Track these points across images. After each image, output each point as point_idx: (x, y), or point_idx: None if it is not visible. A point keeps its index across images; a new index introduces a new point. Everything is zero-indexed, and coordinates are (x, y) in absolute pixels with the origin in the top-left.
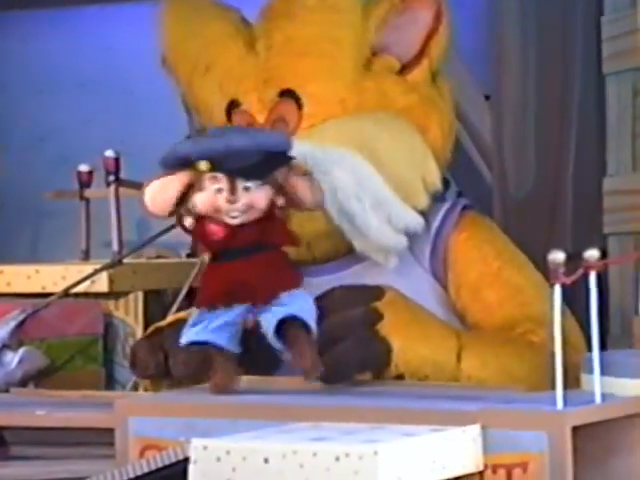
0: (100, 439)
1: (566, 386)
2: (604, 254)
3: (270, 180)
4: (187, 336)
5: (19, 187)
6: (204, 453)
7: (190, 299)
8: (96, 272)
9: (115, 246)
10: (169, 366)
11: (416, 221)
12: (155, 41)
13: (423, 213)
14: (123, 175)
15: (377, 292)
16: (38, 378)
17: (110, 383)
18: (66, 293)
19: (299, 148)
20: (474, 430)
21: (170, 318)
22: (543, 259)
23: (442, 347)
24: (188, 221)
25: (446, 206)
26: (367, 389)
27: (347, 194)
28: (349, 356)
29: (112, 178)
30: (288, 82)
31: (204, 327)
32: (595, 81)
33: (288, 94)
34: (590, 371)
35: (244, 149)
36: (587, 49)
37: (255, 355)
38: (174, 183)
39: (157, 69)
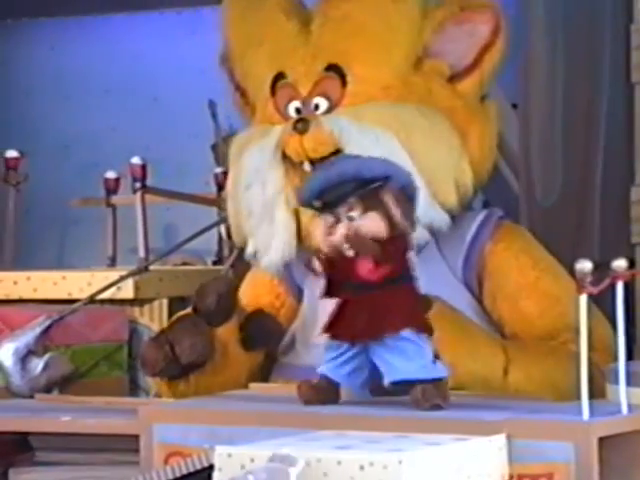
0: (124, 445)
1: (592, 395)
2: (632, 264)
3: (374, 206)
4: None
5: (46, 194)
6: (228, 460)
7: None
8: (122, 279)
9: (141, 253)
10: (177, 355)
11: (441, 218)
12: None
13: (453, 218)
14: (149, 182)
15: (428, 301)
16: (63, 384)
17: (134, 389)
18: (92, 299)
19: (336, 121)
20: (500, 440)
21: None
22: (570, 268)
23: (490, 362)
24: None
25: (481, 215)
26: (392, 398)
27: None
28: None
29: (138, 185)
30: (336, 58)
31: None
32: (624, 89)
33: (334, 70)
34: (616, 381)
35: (348, 178)
36: (616, 57)
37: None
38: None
39: (183, 76)
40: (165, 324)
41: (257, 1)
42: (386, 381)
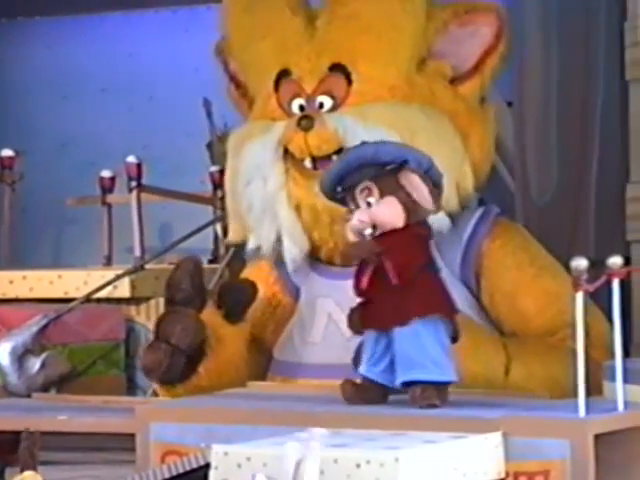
0: (121, 444)
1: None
2: (627, 261)
3: (392, 190)
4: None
5: (42, 192)
6: (225, 459)
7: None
8: (118, 277)
9: (137, 251)
10: (175, 345)
11: (442, 221)
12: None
13: (451, 217)
14: (145, 181)
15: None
16: (60, 383)
17: (131, 388)
18: (88, 298)
19: (341, 119)
20: (496, 437)
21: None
22: (566, 266)
23: (492, 362)
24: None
25: (478, 213)
26: (390, 396)
27: None
28: None
29: (134, 184)
30: (342, 57)
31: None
32: (618, 87)
33: (339, 68)
34: (612, 379)
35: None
36: (610, 55)
37: None
38: None
39: (178, 75)
40: None
41: None
42: (398, 381)
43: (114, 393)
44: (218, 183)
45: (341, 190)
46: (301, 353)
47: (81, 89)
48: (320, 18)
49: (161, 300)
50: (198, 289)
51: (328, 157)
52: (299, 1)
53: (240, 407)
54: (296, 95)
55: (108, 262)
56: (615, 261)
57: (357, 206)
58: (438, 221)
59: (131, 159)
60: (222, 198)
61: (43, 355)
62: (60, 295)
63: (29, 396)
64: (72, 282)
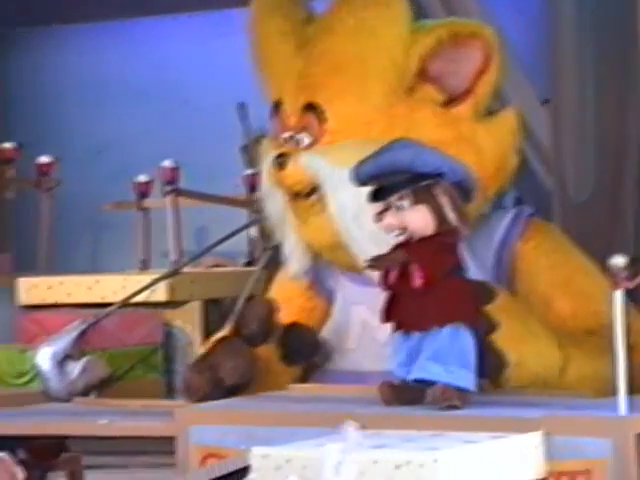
0: (161, 448)
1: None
2: None
3: (425, 199)
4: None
5: (78, 199)
6: (264, 462)
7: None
8: (155, 282)
9: (173, 256)
10: (220, 378)
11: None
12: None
13: (482, 217)
14: (180, 185)
15: (491, 292)
16: (100, 387)
17: (170, 392)
18: (126, 303)
19: (312, 159)
20: (536, 437)
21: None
22: (604, 264)
23: (550, 363)
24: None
25: (510, 215)
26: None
27: (349, 217)
28: None
29: (170, 188)
30: (317, 95)
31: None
32: None
33: (312, 108)
34: None
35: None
36: None
37: None
38: None
39: (213, 78)
40: (199, 326)
41: (258, 19)
42: (411, 375)
43: (153, 396)
44: (253, 186)
45: (373, 187)
46: (337, 360)
47: (115, 95)
48: (306, 46)
49: (198, 304)
50: (265, 331)
51: (309, 194)
52: (294, 25)
53: (279, 410)
54: (284, 127)
55: (145, 266)
56: None
57: (388, 206)
58: None
59: (166, 163)
60: (258, 201)
61: (83, 360)
62: (98, 300)
63: (69, 401)
64: (110, 287)
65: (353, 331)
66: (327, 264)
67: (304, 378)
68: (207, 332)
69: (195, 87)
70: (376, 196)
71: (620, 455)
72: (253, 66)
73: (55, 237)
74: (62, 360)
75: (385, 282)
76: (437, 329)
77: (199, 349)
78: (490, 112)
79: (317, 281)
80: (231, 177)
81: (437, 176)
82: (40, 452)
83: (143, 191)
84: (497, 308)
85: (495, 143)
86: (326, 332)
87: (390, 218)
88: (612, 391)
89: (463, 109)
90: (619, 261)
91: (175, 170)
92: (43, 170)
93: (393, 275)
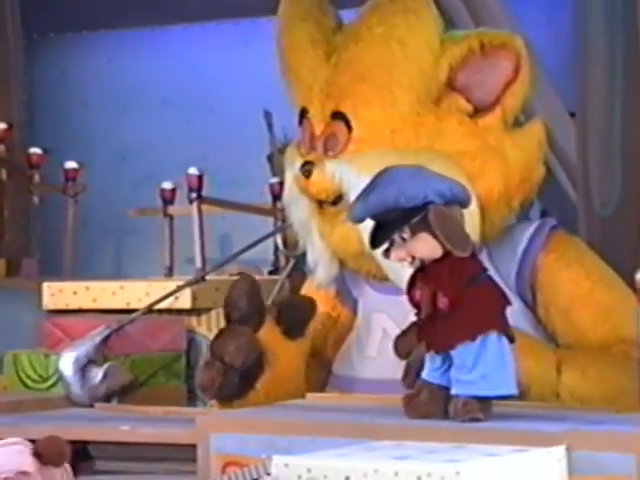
0: (182, 455)
1: None
2: None
3: (423, 228)
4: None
5: (103, 205)
6: (285, 470)
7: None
8: (179, 289)
9: (198, 263)
10: (229, 364)
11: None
12: (237, 59)
13: (507, 230)
14: (205, 192)
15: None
16: (122, 393)
17: (192, 399)
18: (150, 309)
19: (338, 167)
20: (559, 451)
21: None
22: (630, 278)
23: (543, 359)
24: None
25: (533, 226)
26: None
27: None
28: None
29: (195, 195)
30: (344, 103)
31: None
32: None
33: (339, 116)
34: None
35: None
36: None
37: None
38: None
39: (239, 86)
40: None
41: (288, 25)
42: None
43: (175, 403)
44: (278, 195)
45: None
46: (357, 368)
47: (142, 101)
48: (334, 55)
49: (221, 311)
50: (256, 307)
51: (335, 202)
52: (324, 33)
53: (301, 418)
54: (311, 134)
55: (169, 273)
56: None
57: (392, 242)
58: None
59: (192, 171)
60: (282, 210)
61: (105, 365)
62: (122, 306)
63: (92, 406)
64: (134, 293)
65: (374, 339)
66: (352, 273)
67: (321, 380)
68: None
69: (221, 95)
70: (377, 236)
71: None
72: (279, 74)
73: (80, 242)
74: (85, 365)
75: (412, 300)
76: (468, 342)
77: None
78: (518, 124)
79: (342, 290)
80: (256, 185)
81: (427, 204)
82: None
83: (168, 198)
84: None
85: (521, 154)
86: (350, 340)
87: (396, 252)
88: (620, 396)
89: (490, 119)
90: None
91: (201, 177)
92: (70, 175)
93: (418, 294)
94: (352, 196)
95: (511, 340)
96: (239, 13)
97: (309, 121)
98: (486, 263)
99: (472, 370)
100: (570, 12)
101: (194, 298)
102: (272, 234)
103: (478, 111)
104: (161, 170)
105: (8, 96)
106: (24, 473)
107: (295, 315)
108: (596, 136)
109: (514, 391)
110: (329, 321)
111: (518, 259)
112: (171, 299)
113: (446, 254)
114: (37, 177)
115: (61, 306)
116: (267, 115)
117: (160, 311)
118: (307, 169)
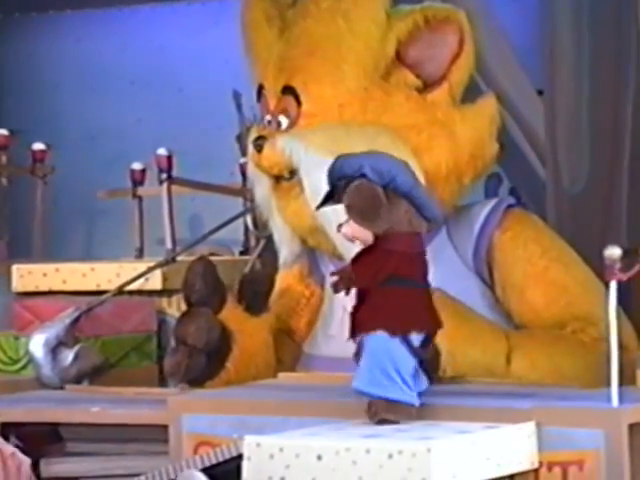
0: (154, 436)
1: (621, 384)
2: None
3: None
4: None
5: (72, 186)
6: (257, 450)
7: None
8: (150, 270)
9: (168, 244)
10: (192, 345)
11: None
12: (206, 39)
13: (463, 207)
14: (175, 173)
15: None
16: (93, 375)
17: (163, 380)
18: (120, 291)
19: (288, 142)
20: (529, 427)
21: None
22: (598, 255)
23: (491, 349)
24: None
25: (490, 204)
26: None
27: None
28: None
29: (165, 176)
30: (294, 78)
31: None
32: None
33: (290, 90)
34: None
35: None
36: None
37: None
38: None
39: (208, 67)
40: None
41: (253, 1)
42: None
43: (146, 384)
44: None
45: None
46: (321, 346)
47: (111, 82)
48: (286, 31)
49: None
50: (212, 287)
51: (290, 176)
52: (277, 8)
53: (272, 398)
54: (267, 110)
55: (140, 254)
56: None
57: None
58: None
59: (161, 151)
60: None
61: (76, 347)
62: (92, 288)
63: (62, 388)
64: (104, 275)
65: (336, 317)
66: (322, 251)
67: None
68: None
69: (191, 75)
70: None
71: (613, 446)
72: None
73: (49, 224)
74: (55, 347)
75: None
76: (367, 336)
77: None
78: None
79: (314, 269)
80: (226, 166)
81: (360, 177)
82: (32, 439)
83: (138, 179)
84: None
85: (471, 129)
86: (318, 318)
87: (344, 228)
88: (567, 382)
89: (438, 94)
90: (614, 252)
91: (170, 158)
92: (37, 157)
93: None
94: (301, 171)
95: (426, 344)
96: None
97: (264, 97)
98: (445, 242)
99: (362, 364)
100: None
101: (165, 279)
102: (242, 214)
103: (427, 86)
104: (131, 151)
105: None
106: None
107: (253, 290)
108: (564, 114)
109: (404, 398)
110: (303, 299)
111: (475, 237)
112: (141, 280)
113: (376, 241)
114: (4, 159)
115: (31, 288)
116: (236, 95)
117: (131, 292)
118: (259, 144)
